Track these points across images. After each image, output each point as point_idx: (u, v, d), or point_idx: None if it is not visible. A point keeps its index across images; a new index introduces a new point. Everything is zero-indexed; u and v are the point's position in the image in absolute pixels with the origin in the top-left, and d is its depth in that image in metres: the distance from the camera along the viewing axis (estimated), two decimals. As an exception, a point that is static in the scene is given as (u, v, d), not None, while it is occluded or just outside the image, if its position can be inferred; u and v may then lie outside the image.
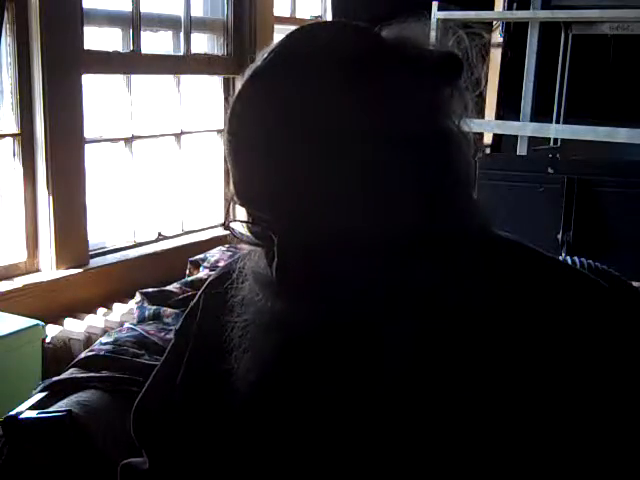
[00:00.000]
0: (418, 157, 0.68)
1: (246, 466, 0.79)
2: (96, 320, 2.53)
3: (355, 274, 0.68)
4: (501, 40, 3.99)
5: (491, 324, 0.71)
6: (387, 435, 0.71)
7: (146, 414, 0.92)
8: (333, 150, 0.65)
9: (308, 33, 0.73)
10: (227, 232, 0.75)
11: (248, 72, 0.71)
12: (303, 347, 0.71)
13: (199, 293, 0.92)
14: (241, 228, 0.74)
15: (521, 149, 3.74)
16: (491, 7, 3.64)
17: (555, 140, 3.91)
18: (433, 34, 0.73)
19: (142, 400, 0.93)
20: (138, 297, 1.86)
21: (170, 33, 3.18)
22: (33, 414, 1.11)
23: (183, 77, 3.20)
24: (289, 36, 0.72)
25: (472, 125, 0.74)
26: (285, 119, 0.66)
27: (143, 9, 2.93)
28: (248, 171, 0.69)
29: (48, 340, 2.38)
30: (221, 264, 1.99)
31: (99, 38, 2.85)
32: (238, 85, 0.71)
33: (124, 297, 2.67)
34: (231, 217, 0.75)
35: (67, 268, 2.65)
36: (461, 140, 0.72)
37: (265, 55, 0.70)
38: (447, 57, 0.71)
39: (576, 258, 1.40)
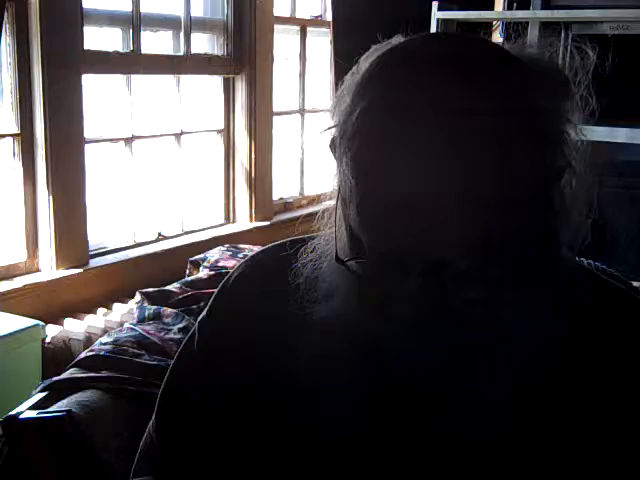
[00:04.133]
0: (553, 178, 0.65)
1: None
2: (96, 320, 2.53)
3: (480, 307, 0.64)
4: (501, 40, 4.00)
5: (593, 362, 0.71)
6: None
7: (175, 419, 0.86)
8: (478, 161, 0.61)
9: (447, 39, 0.70)
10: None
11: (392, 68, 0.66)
12: (407, 382, 0.67)
13: (227, 284, 0.86)
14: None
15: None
16: (491, 7, 3.64)
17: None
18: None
19: (168, 398, 0.88)
20: (138, 297, 1.86)
21: (170, 33, 3.18)
22: (33, 414, 1.10)
23: (183, 77, 3.20)
24: (421, 40, 0.68)
25: None
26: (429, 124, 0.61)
27: (143, 9, 2.93)
28: (399, 188, 0.62)
29: (48, 340, 2.38)
30: (221, 264, 1.99)
31: (99, 38, 2.85)
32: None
33: (124, 297, 2.68)
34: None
35: (67, 268, 2.65)
36: (581, 160, 0.69)
37: (409, 51, 0.67)
38: (564, 75, 0.69)
39: (575, 258, 1.40)
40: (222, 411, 0.81)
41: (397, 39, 0.70)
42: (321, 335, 0.70)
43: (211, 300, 0.87)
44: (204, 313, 0.88)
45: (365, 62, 0.69)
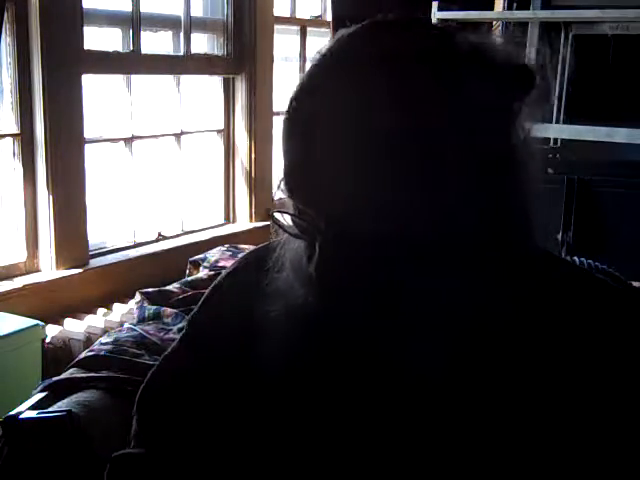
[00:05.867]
0: (484, 169, 0.66)
1: (259, 455, 0.78)
2: (96, 320, 2.53)
3: (395, 280, 0.66)
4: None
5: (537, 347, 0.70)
6: (409, 435, 0.71)
7: (154, 398, 0.89)
8: (390, 150, 0.63)
9: (386, 29, 0.71)
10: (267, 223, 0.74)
11: (318, 60, 0.69)
12: (334, 345, 0.70)
13: (220, 281, 0.88)
14: (283, 218, 0.74)
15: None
16: (491, 7, 3.64)
17: (555, 140, 3.91)
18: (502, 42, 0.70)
19: (150, 385, 0.90)
20: (138, 297, 1.86)
21: (170, 33, 3.18)
22: (33, 414, 1.10)
23: (183, 77, 3.20)
24: (360, 32, 0.70)
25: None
26: (344, 113, 0.64)
27: (143, 9, 2.93)
28: (297, 158, 0.68)
29: (48, 340, 2.38)
30: (221, 264, 1.99)
31: (99, 38, 2.85)
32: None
33: (124, 297, 2.68)
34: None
35: (67, 268, 2.65)
36: (526, 156, 0.69)
37: (334, 47, 0.69)
38: (521, 69, 0.69)
39: (575, 258, 1.40)
40: (210, 403, 0.83)
41: (355, 27, 0.72)
42: (276, 301, 0.74)
43: (204, 296, 0.90)
44: (195, 310, 0.91)
45: (329, 43, 0.71)
